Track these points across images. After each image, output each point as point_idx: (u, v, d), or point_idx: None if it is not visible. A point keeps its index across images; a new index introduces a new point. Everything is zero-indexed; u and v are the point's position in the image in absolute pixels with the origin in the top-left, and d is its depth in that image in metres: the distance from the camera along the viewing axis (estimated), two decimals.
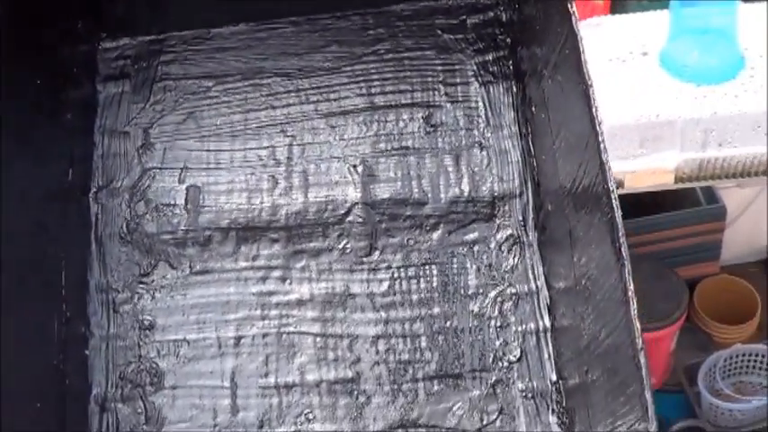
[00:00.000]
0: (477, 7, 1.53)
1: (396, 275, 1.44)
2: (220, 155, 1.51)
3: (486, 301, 1.42)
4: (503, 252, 1.44)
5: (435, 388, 1.39)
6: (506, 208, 1.45)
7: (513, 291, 1.42)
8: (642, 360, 1.06)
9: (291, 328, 1.43)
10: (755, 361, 2.55)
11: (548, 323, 1.40)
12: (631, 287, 1.09)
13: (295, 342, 1.43)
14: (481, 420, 1.38)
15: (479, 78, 1.50)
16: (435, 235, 1.45)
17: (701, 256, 2.68)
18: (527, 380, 1.38)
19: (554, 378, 1.38)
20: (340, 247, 1.46)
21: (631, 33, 2.12)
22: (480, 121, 1.49)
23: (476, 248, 1.44)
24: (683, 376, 2.55)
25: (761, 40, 2.07)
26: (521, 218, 1.45)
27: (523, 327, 1.41)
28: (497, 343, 1.41)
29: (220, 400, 1.41)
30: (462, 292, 1.43)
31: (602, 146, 1.14)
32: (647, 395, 1.03)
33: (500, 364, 1.40)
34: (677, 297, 2.50)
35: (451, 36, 1.53)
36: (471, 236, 1.45)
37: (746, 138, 1.97)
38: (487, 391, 1.39)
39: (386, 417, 1.39)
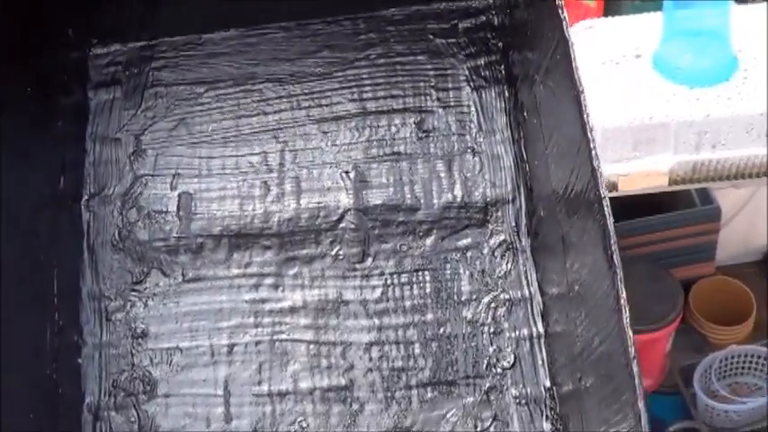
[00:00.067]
0: (469, 11, 1.53)
1: (389, 282, 1.44)
2: (212, 161, 1.50)
3: (480, 308, 1.42)
4: (496, 258, 1.43)
5: (429, 395, 1.39)
6: (499, 213, 1.45)
7: (507, 297, 1.42)
8: (635, 369, 1.06)
9: (284, 336, 1.43)
10: (751, 362, 2.54)
11: (541, 329, 1.40)
12: (624, 295, 1.09)
13: (288, 350, 1.42)
14: (475, 427, 1.37)
15: (471, 83, 1.50)
16: (428, 241, 1.45)
17: (696, 256, 2.68)
18: (521, 386, 1.38)
19: (548, 384, 1.37)
20: (333, 253, 1.45)
21: (624, 35, 2.12)
22: (472, 126, 1.48)
23: (469, 254, 1.44)
24: (678, 378, 2.54)
25: (754, 41, 2.06)
26: (513, 223, 1.44)
27: (517, 333, 1.40)
28: (491, 349, 1.40)
29: (214, 409, 1.41)
30: (455, 298, 1.42)
31: (593, 152, 1.14)
32: (641, 404, 1.03)
33: (494, 370, 1.39)
34: (672, 298, 2.49)
35: (443, 40, 1.52)
36: (464, 242, 1.45)
37: (740, 140, 1.97)
38: (481, 398, 1.38)
39: (379, 424, 1.38)
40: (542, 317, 1.40)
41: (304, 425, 1.39)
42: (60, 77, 1.52)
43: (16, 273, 1.33)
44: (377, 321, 1.42)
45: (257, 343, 1.43)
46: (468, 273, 1.44)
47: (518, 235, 1.44)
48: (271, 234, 1.47)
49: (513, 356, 1.40)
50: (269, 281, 1.45)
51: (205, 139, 1.51)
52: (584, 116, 1.16)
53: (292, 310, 1.44)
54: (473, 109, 1.49)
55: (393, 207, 1.46)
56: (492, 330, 1.41)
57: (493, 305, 1.42)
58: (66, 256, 1.46)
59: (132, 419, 1.42)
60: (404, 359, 1.41)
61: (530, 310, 1.41)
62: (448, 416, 1.38)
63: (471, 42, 1.52)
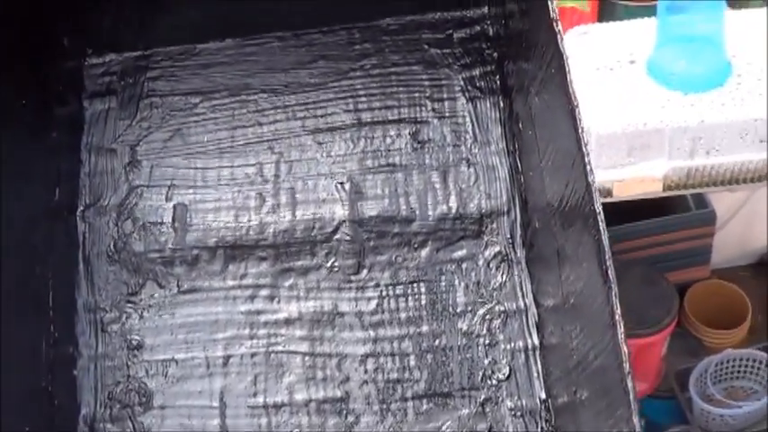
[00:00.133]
0: (464, 21, 1.53)
1: (384, 293, 1.44)
2: (207, 172, 1.50)
3: (475, 319, 1.42)
4: (491, 269, 1.43)
5: (424, 407, 1.39)
6: (494, 225, 1.45)
7: (502, 308, 1.42)
8: (630, 384, 1.06)
9: (280, 348, 1.43)
10: (746, 366, 2.55)
11: (536, 341, 1.40)
12: (618, 311, 1.09)
13: (283, 361, 1.42)
14: None
15: (466, 93, 1.50)
16: (423, 252, 1.45)
17: (691, 260, 2.68)
18: (516, 398, 1.38)
19: (543, 396, 1.38)
20: (328, 265, 1.45)
21: (619, 41, 2.12)
22: (467, 137, 1.48)
23: (464, 266, 1.44)
24: (674, 382, 2.54)
25: (747, 47, 2.06)
26: (508, 235, 1.44)
27: (512, 345, 1.41)
28: (486, 361, 1.40)
29: (209, 420, 1.41)
30: (451, 309, 1.43)
31: (588, 167, 1.14)
32: (635, 420, 1.03)
33: (489, 382, 1.39)
34: (668, 302, 2.50)
35: (438, 51, 1.52)
36: (459, 253, 1.45)
37: (734, 145, 1.97)
38: (476, 410, 1.39)
39: None
40: (537, 329, 1.40)
41: None
42: (56, 87, 1.51)
43: (12, 285, 1.33)
44: (372, 333, 1.43)
45: (253, 355, 1.43)
46: (463, 284, 1.44)
47: (513, 246, 1.44)
48: (266, 245, 1.47)
49: (508, 368, 1.40)
50: (264, 292, 1.45)
51: (200, 150, 1.51)
52: (579, 131, 1.16)
53: (288, 322, 1.44)
54: (468, 120, 1.49)
55: (388, 218, 1.46)
56: (487, 342, 1.41)
57: (488, 317, 1.42)
58: (62, 267, 1.46)
59: (128, 431, 1.42)
60: (399, 371, 1.41)
61: (525, 321, 1.41)
62: (443, 428, 1.38)
63: (466, 52, 1.52)
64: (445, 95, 1.50)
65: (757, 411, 2.45)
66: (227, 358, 1.43)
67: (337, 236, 1.46)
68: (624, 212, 2.34)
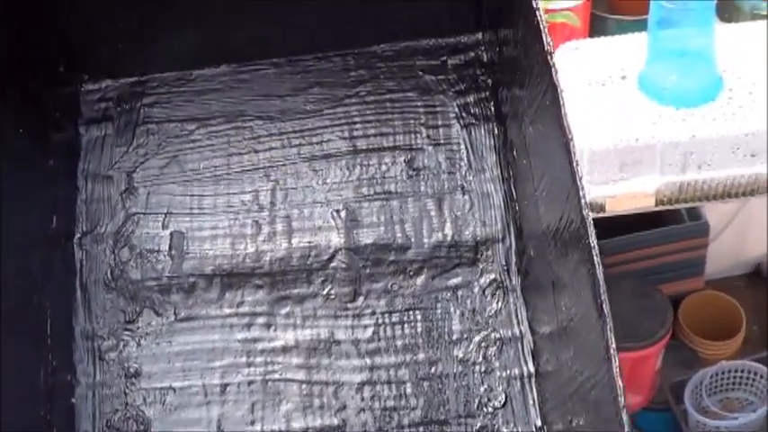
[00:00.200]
0: (458, 47, 1.53)
1: (380, 321, 1.44)
2: (204, 200, 1.51)
3: (471, 347, 1.43)
4: (486, 297, 1.44)
5: None
6: (489, 252, 1.46)
7: (497, 336, 1.43)
8: (625, 418, 1.06)
9: (277, 375, 1.44)
10: (742, 377, 2.56)
11: (532, 368, 1.40)
12: (613, 345, 1.09)
13: (280, 389, 1.43)
14: None
15: (461, 120, 1.51)
16: (419, 280, 1.46)
17: (685, 272, 2.69)
18: (512, 425, 1.39)
19: (539, 423, 1.38)
20: (324, 293, 1.46)
21: (610, 57, 2.12)
22: (462, 164, 1.49)
23: (459, 293, 1.45)
24: (669, 394, 2.55)
25: (738, 61, 2.07)
26: (504, 262, 1.45)
27: (508, 372, 1.41)
28: (482, 389, 1.41)
29: None
30: (446, 337, 1.43)
31: (583, 200, 1.14)
32: None
33: (485, 409, 1.40)
34: (662, 315, 2.50)
35: (433, 77, 1.53)
36: (455, 281, 1.45)
37: (726, 160, 1.98)
38: None
39: None
40: (533, 356, 1.41)
41: None
42: (52, 114, 1.52)
43: (10, 313, 1.34)
44: (369, 361, 1.43)
45: (250, 383, 1.44)
46: (458, 312, 1.44)
47: (508, 274, 1.45)
48: (262, 273, 1.47)
49: (504, 396, 1.41)
50: (261, 320, 1.46)
51: (197, 177, 1.52)
52: (574, 164, 1.16)
53: (284, 350, 1.45)
54: (463, 147, 1.50)
55: (384, 246, 1.47)
56: (483, 370, 1.42)
57: (484, 344, 1.43)
58: (60, 295, 1.46)
59: None
60: (396, 399, 1.41)
61: (520, 349, 1.42)
62: None
63: (461, 79, 1.52)
64: (440, 122, 1.51)
65: (753, 423, 2.46)
66: (224, 386, 1.44)
67: (333, 264, 1.47)
68: (617, 225, 2.34)
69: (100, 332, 1.47)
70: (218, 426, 1.42)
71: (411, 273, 1.46)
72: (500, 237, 1.46)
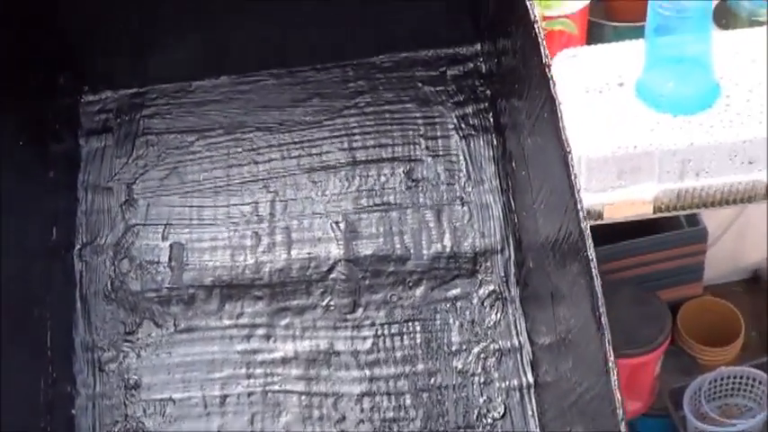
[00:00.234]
0: (457, 58, 1.54)
1: (379, 332, 1.45)
2: (203, 211, 1.51)
3: (470, 358, 1.43)
4: (485, 308, 1.45)
5: None
6: (488, 264, 1.46)
7: (496, 347, 1.43)
8: (623, 431, 1.07)
9: (276, 387, 1.44)
10: (741, 383, 2.56)
11: (531, 379, 1.41)
12: (611, 357, 1.10)
13: (280, 401, 1.43)
14: None
15: (460, 131, 1.51)
16: (418, 291, 1.46)
17: (683, 278, 2.69)
18: None
19: None
20: (324, 304, 1.46)
21: (607, 64, 2.13)
22: (461, 175, 1.49)
23: (458, 304, 1.45)
24: (668, 400, 2.55)
25: (735, 67, 2.07)
26: (503, 273, 1.45)
27: (507, 383, 1.42)
28: (481, 400, 1.41)
29: None
30: (446, 348, 1.44)
31: (581, 213, 1.15)
32: None
33: (484, 420, 1.40)
34: (660, 321, 2.51)
35: (431, 88, 1.53)
36: (454, 292, 1.46)
37: (723, 167, 1.98)
38: None
39: None
40: (532, 367, 1.41)
41: None
42: (52, 126, 1.52)
43: (10, 325, 1.34)
44: (368, 372, 1.43)
45: (249, 394, 1.44)
46: (457, 323, 1.45)
47: (507, 285, 1.45)
48: (262, 285, 1.48)
49: (503, 407, 1.41)
50: (261, 331, 1.46)
51: (196, 189, 1.52)
52: (572, 177, 1.16)
53: (284, 361, 1.45)
54: (462, 158, 1.50)
55: (383, 257, 1.47)
56: (482, 381, 1.42)
57: (483, 355, 1.43)
58: (60, 306, 1.46)
59: None
60: (395, 410, 1.42)
61: (519, 360, 1.42)
62: None
63: (459, 90, 1.53)
64: (439, 133, 1.51)
65: (752, 429, 2.46)
66: (224, 398, 1.44)
67: (333, 275, 1.47)
68: (615, 231, 2.35)
69: (100, 343, 1.47)
70: None
71: (410, 284, 1.46)
72: (499, 248, 1.46)
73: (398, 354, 1.44)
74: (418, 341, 1.44)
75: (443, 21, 1.52)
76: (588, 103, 2.05)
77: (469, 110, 1.52)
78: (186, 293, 1.48)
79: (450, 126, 1.52)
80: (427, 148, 1.51)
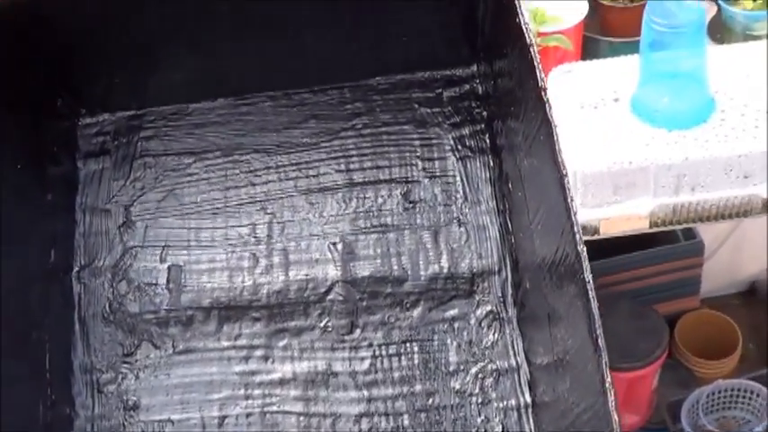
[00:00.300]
0: (453, 80, 1.54)
1: (377, 353, 1.45)
2: (201, 233, 1.51)
3: (468, 378, 1.43)
4: (483, 328, 1.45)
5: None
6: (485, 284, 1.46)
7: (494, 367, 1.43)
8: None
9: (275, 408, 1.44)
10: (738, 396, 2.56)
11: (528, 399, 1.41)
12: (608, 379, 1.10)
13: (278, 421, 1.44)
14: None
15: (456, 153, 1.52)
16: (416, 312, 1.47)
17: (680, 291, 2.69)
18: None
19: None
20: (321, 325, 1.47)
21: (602, 79, 2.13)
22: (458, 196, 1.50)
23: (456, 325, 1.46)
24: (666, 414, 2.55)
25: (730, 82, 2.07)
26: (500, 294, 1.46)
27: (504, 403, 1.42)
28: (479, 420, 1.42)
29: None
30: (443, 368, 1.44)
31: (578, 236, 1.15)
32: None
33: None
34: (658, 335, 2.51)
35: (428, 110, 1.54)
36: (451, 312, 1.46)
37: (719, 181, 1.98)
38: None
39: None
40: (530, 387, 1.42)
41: None
42: (50, 148, 1.53)
43: (9, 348, 1.35)
44: (366, 393, 1.44)
45: (248, 415, 1.45)
46: (455, 343, 1.45)
47: (504, 305, 1.46)
48: (260, 306, 1.48)
49: (500, 427, 1.41)
50: (259, 353, 1.47)
51: (194, 211, 1.53)
52: (569, 200, 1.17)
53: (282, 382, 1.45)
54: (458, 179, 1.51)
55: (380, 279, 1.48)
56: (480, 401, 1.43)
57: (480, 375, 1.43)
58: (58, 329, 1.47)
59: None
60: (393, 430, 1.42)
61: (517, 380, 1.43)
62: None
63: (456, 111, 1.53)
64: (436, 155, 1.52)
65: None
66: (222, 419, 1.44)
67: (330, 296, 1.47)
68: (612, 245, 2.34)
69: (98, 365, 1.48)
70: None
71: (408, 305, 1.47)
72: (496, 269, 1.47)
73: (396, 374, 1.45)
74: (416, 362, 1.45)
75: (440, 43, 1.52)
76: (583, 119, 2.05)
77: (466, 131, 1.53)
78: (184, 315, 1.48)
79: (447, 147, 1.53)
80: (424, 169, 1.52)
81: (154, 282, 1.50)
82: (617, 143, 1.99)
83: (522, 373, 1.42)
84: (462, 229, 1.49)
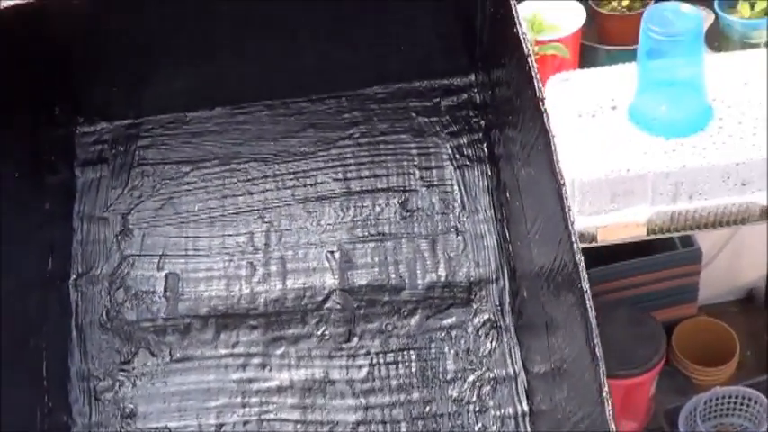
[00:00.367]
0: (451, 89, 1.55)
1: (374, 361, 1.45)
2: (198, 241, 1.51)
3: (465, 386, 1.44)
4: (480, 337, 1.45)
5: None
6: (483, 293, 1.47)
7: (492, 375, 1.44)
8: None
9: (272, 415, 1.45)
10: (736, 403, 2.56)
11: (526, 407, 1.41)
12: (606, 388, 1.10)
13: (276, 429, 1.44)
14: None
15: (454, 162, 1.52)
16: (413, 320, 1.47)
17: (678, 298, 2.69)
18: None
19: None
20: (319, 333, 1.47)
21: (600, 87, 2.13)
22: (456, 205, 1.50)
23: (453, 333, 1.46)
24: (663, 421, 2.55)
25: (727, 90, 2.08)
26: (497, 302, 1.46)
27: (502, 411, 1.42)
28: (476, 428, 1.42)
29: None
30: (441, 377, 1.44)
31: (575, 245, 1.15)
32: None
33: None
34: (656, 342, 2.51)
35: (426, 119, 1.54)
36: (449, 321, 1.47)
37: (716, 189, 1.98)
38: None
39: None
40: (527, 395, 1.42)
41: None
42: (47, 157, 1.53)
43: (7, 355, 1.35)
44: (363, 401, 1.44)
45: (245, 422, 1.45)
46: (453, 351, 1.46)
47: (502, 314, 1.46)
48: (257, 314, 1.48)
49: None
50: (256, 360, 1.47)
51: (191, 219, 1.53)
52: (566, 210, 1.17)
53: (279, 390, 1.46)
54: (456, 188, 1.51)
55: (378, 287, 1.48)
56: (477, 409, 1.43)
57: (478, 383, 1.43)
58: (56, 336, 1.47)
59: None
60: None
61: (514, 388, 1.43)
62: None
63: (454, 120, 1.54)
64: (433, 164, 1.52)
65: None
66: (219, 426, 1.44)
67: (328, 304, 1.48)
68: (610, 253, 2.35)
69: (95, 373, 1.48)
70: None
71: (405, 313, 1.47)
72: (494, 277, 1.47)
73: (394, 382, 1.45)
74: (413, 370, 1.45)
75: (438, 52, 1.53)
76: (581, 127, 2.05)
77: (464, 140, 1.53)
78: (182, 323, 1.49)
79: (445, 156, 1.53)
80: (422, 178, 1.52)
81: (151, 290, 1.50)
82: (615, 151, 1.99)
83: (520, 381, 1.42)
84: (460, 237, 1.49)
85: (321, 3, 1.45)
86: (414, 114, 1.54)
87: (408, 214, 1.50)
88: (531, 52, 1.23)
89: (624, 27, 2.44)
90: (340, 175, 1.52)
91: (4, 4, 1.35)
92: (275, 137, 1.55)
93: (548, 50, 2.27)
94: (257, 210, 1.52)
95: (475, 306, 1.47)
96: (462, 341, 1.46)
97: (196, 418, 1.45)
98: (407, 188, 1.51)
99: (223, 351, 1.48)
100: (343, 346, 1.47)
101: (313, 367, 1.46)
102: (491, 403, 1.43)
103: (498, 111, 1.47)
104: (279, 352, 1.47)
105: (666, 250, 2.62)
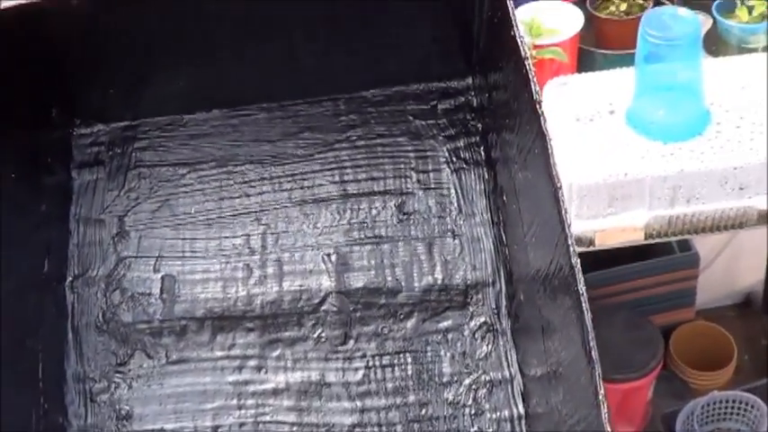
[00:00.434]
0: (448, 92, 1.55)
1: (370, 364, 1.45)
2: (195, 243, 1.51)
3: (461, 389, 1.43)
4: (476, 340, 1.45)
5: None
6: (479, 296, 1.47)
7: (488, 378, 1.43)
8: None
9: (268, 418, 1.44)
10: (733, 407, 2.56)
11: (522, 410, 1.41)
12: (602, 391, 1.10)
13: (271, 431, 1.44)
14: None
15: (451, 165, 1.52)
16: (409, 323, 1.47)
17: (675, 303, 2.69)
18: None
19: None
20: (315, 336, 1.47)
21: (598, 91, 2.13)
22: (452, 208, 1.50)
23: (450, 336, 1.46)
24: (661, 425, 2.55)
25: (725, 94, 2.08)
26: (494, 306, 1.46)
27: (498, 414, 1.42)
28: (472, 431, 1.42)
29: None
30: (437, 380, 1.44)
31: (572, 249, 1.15)
32: None
33: None
34: (653, 346, 2.51)
35: (423, 122, 1.54)
36: (445, 324, 1.46)
37: (714, 193, 1.99)
38: None
39: None
40: (523, 398, 1.42)
41: None
42: (44, 158, 1.53)
43: (3, 357, 1.35)
44: (359, 404, 1.44)
45: (241, 425, 1.45)
46: (449, 355, 1.45)
47: (498, 317, 1.46)
48: (254, 316, 1.48)
49: None
50: (252, 363, 1.47)
51: (188, 221, 1.53)
52: (563, 213, 1.17)
53: (275, 392, 1.45)
54: (453, 191, 1.51)
55: (374, 290, 1.48)
56: (473, 412, 1.43)
57: (474, 387, 1.43)
58: (52, 338, 1.47)
59: None
60: None
61: (510, 391, 1.43)
62: None
63: (451, 124, 1.54)
64: (430, 167, 1.52)
65: None
66: (215, 428, 1.44)
67: (324, 307, 1.47)
68: (607, 257, 2.35)
69: (91, 374, 1.48)
70: None
71: (401, 316, 1.47)
72: (490, 280, 1.47)
73: (389, 385, 1.45)
74: (409, 372, 1.45)
75: (435, 55, 1.53)
76: (579, 131, 2.06)
77: (461, 143, 1.53)
78: (178, 325, 1.48)
79: (442, 159, 1.53)
80: (419, 181, 1.52)
81: (147, 292, 1.50)
82: (612, 155, 2.00)
83: (516, 384, 1.42)
84: (456, 240, 1.49)
85: (319, 6, 1.45)
86: (411, 117, 1.54)
87: (405, 217, 1.50)
88: (528, 55, 1.23)
89: (622, 31, 2.44)
90: (337, 178, 1.52)
91: (5, 5, 1.36)
92: (272, 139, 1.54)
93: (546, 54, 2.27)
94: (254, 212, 1.52)
95: (471, 309, 1.47)
96: (458, 344, 1.46)
97: (192, 421, 1.45)
98: (404, 191, 1.51)
99: (219, 353, 1.47)
100: (340, 348, 1.46)
101: (309, 370, 1.46)
102: (487, 406, 1.43)
103: (495, 114, 1.47)
104: (275, 354, 1.47)
105: (664, 254, 2.62)
